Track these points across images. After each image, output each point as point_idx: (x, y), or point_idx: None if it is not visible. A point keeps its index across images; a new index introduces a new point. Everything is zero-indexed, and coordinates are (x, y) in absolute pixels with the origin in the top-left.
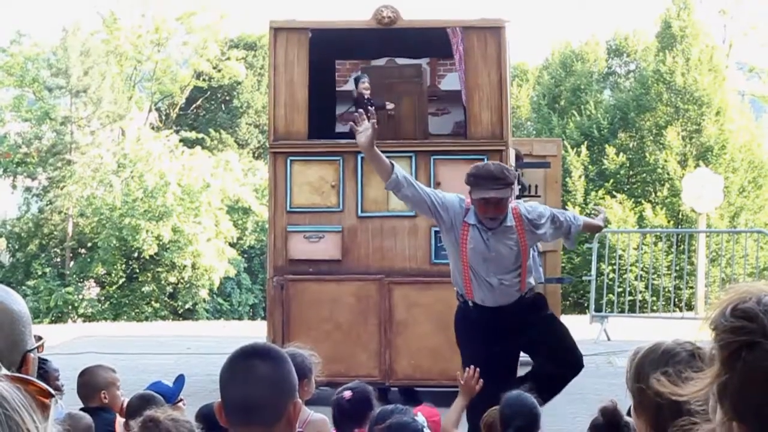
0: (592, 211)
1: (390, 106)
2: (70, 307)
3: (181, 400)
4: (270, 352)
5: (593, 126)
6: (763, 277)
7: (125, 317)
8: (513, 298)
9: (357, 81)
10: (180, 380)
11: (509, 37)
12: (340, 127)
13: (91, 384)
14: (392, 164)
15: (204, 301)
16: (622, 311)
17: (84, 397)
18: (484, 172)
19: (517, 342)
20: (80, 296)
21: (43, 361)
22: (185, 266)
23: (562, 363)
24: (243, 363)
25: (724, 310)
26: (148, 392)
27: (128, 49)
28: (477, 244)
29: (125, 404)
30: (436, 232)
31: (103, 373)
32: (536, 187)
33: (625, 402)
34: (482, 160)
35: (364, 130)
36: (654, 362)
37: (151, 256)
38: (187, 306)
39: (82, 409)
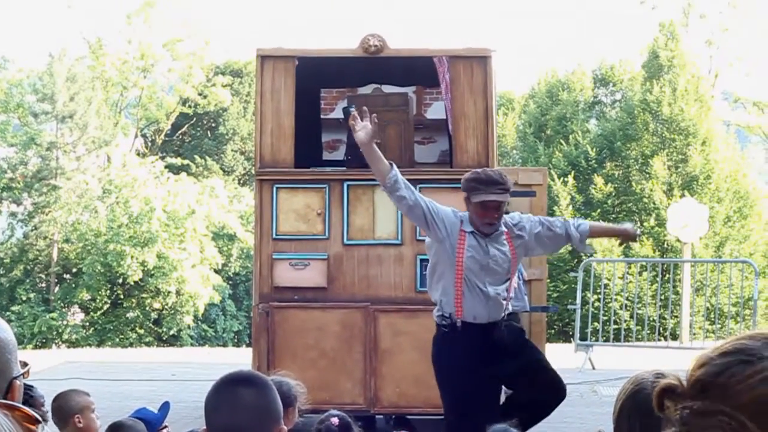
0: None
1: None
2: (54, 332)
3: (165, 426)
4: (255, 379)
5: (581, 156)
6: (748, 308)
7: (110, 343)
8: (501, 314)
9: (346, 113)
10: (165, 407)
11: (495, 66)
12: (326, 155)
13: (64, 409)
14: (391, 164)
15: (188, 327)
16: (607, 340)
17: (57, 423)
18: (485, 177)
19: (500, 371)
20: (65, 322)
21: (28, 387)
22: (170, 292)
23: (547, 390)
24: (228, 390)
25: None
26: (128, 419)
27: (114, 75)
28: (476, 251)
29: None
30: (422, 260)
31: (76, 397)
32: None
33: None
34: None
35: (363, 127)
36: (630, 411)
37: (135, 282)
38: (171, 332)
39: None
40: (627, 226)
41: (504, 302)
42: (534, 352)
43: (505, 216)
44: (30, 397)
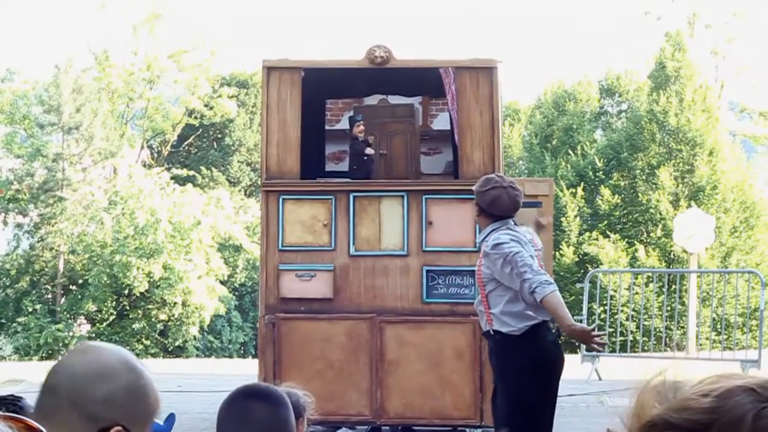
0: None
1: (383, 151)
2: (60, 344)
3: None
4: (269, 395)
5: (588, 166)
6: (755, 318)
7: None
8: (486, 327)
9: (352, 122)
10: (170, 419)
11: (501, 77)
12: (330, 166)
13: None
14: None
15: (194, 338)
16: (614, 351)
17: None
18: None
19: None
20: (71, 333)
21: (17, 399)
22: (176, 303)
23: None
24: (240, 404)
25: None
26: None
27: (120, 86)
28: None
29: None
30: (427, 271)
31: None
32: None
33: None
34: (473, 199)
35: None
36: None
37: (141, 294)
38: (177, 343)
39: None
40: (584, 328)
41: (482, 315)
42: (503, 398)
43: (498, 233)
44: (20, 409)
